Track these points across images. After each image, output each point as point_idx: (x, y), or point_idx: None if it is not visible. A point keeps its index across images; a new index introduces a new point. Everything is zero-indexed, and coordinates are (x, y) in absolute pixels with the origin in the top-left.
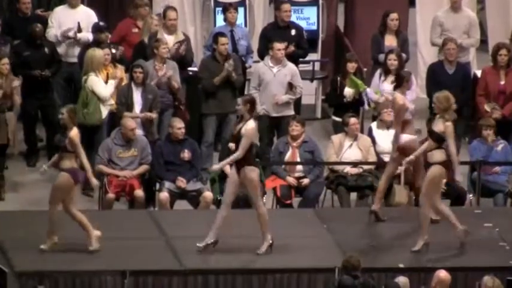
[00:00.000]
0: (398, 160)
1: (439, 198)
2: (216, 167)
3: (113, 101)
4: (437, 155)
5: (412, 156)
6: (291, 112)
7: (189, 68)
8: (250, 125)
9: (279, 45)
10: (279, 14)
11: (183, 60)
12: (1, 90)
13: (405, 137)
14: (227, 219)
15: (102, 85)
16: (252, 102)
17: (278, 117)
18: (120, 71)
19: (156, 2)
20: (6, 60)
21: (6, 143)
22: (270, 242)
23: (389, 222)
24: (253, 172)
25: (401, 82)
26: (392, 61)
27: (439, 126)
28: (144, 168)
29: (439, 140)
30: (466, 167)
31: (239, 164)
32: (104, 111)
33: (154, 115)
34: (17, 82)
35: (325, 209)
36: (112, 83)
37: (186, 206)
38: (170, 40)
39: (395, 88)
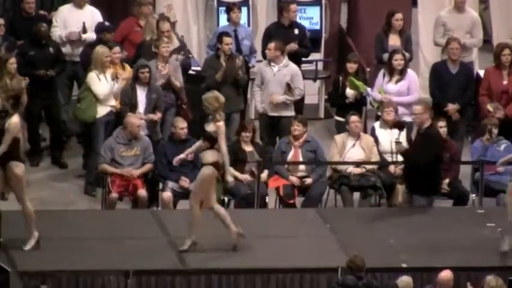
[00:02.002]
0: None
1: (214, 199)
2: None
3: (114, 102)
4: (209, 156)
5: (182, 155)
6: (290, 113)
7: (192, 68)
8: (14, 120)
9: (269, 45)
10: (288, 14)
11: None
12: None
13: None
14: None
15: (99, 83)
16: (15, 98)
17: (276, 116)
18: (128, 71)
19: (159, 1)
20: (13, 60)
21: None
22: None
23: (392, 222)
24: (17, 167)
25: None
26: (399, 61)
27: (210, 126)
28: (147, 167)
29: (210, 140)
30: (468, 166)
31: (4, 159)
32: (101, 110)
33: (157, 117)
34: (24, 82)
35: (328, 208)
36: (114, 83)
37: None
38: None
39: None
